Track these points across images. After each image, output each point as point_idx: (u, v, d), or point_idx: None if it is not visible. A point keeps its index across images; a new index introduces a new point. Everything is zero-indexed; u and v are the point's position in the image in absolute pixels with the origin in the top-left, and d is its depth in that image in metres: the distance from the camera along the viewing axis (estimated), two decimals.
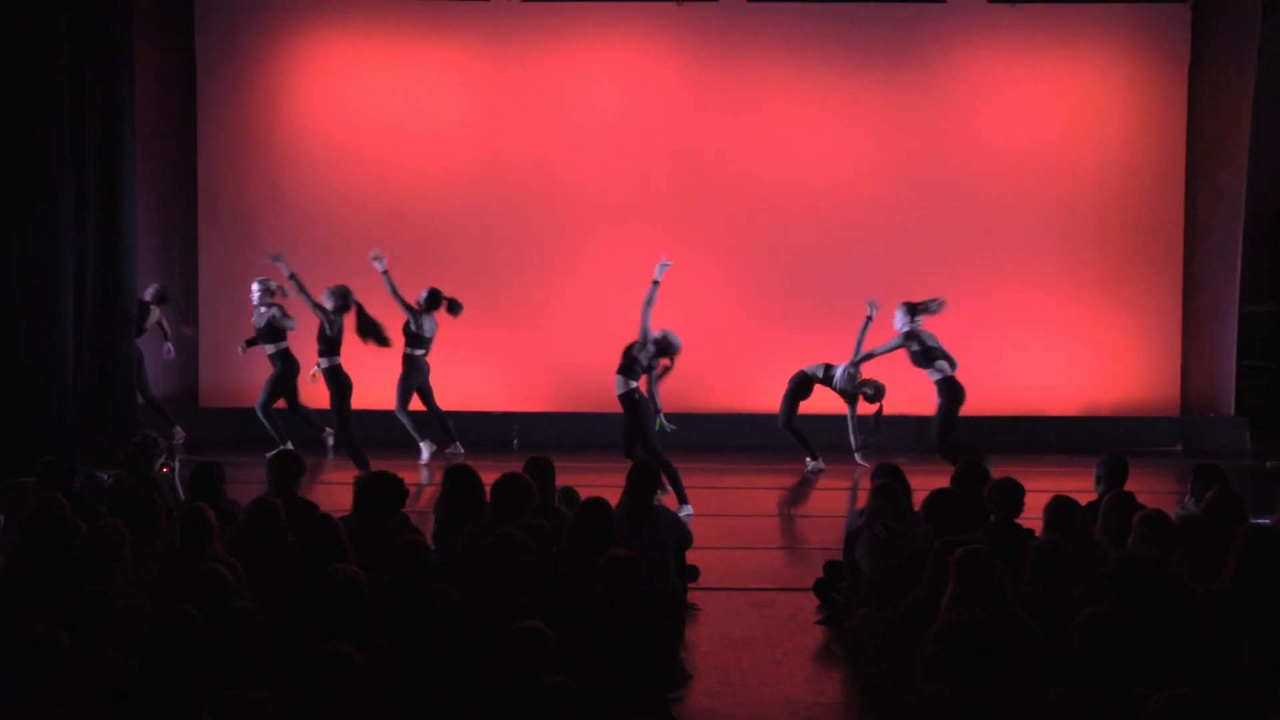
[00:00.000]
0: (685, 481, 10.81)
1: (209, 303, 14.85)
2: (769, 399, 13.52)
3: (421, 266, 14.54)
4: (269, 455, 8.51)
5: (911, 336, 12.23)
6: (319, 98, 14.86)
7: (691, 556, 8.18)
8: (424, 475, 12.41)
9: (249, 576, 6.44)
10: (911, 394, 14.33)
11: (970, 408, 14.42)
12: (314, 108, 14.86)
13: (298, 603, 5.89)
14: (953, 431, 12.23)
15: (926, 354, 12.20)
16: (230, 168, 14.84)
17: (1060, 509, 7.01)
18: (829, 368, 12.78)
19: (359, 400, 12.14)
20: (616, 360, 10.98)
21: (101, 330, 12.62)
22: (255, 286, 12.96)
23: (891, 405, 14.19)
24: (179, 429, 13.45)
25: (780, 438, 13.03)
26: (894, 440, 13.23)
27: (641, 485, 7.73)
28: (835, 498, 12.02)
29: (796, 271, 14.62)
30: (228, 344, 14.22)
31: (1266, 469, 12.85)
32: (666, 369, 11.06)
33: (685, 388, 14.06)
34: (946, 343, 12.25)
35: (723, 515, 10.85)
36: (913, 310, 12.26)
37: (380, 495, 7.22)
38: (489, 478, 7.43)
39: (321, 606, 5.54)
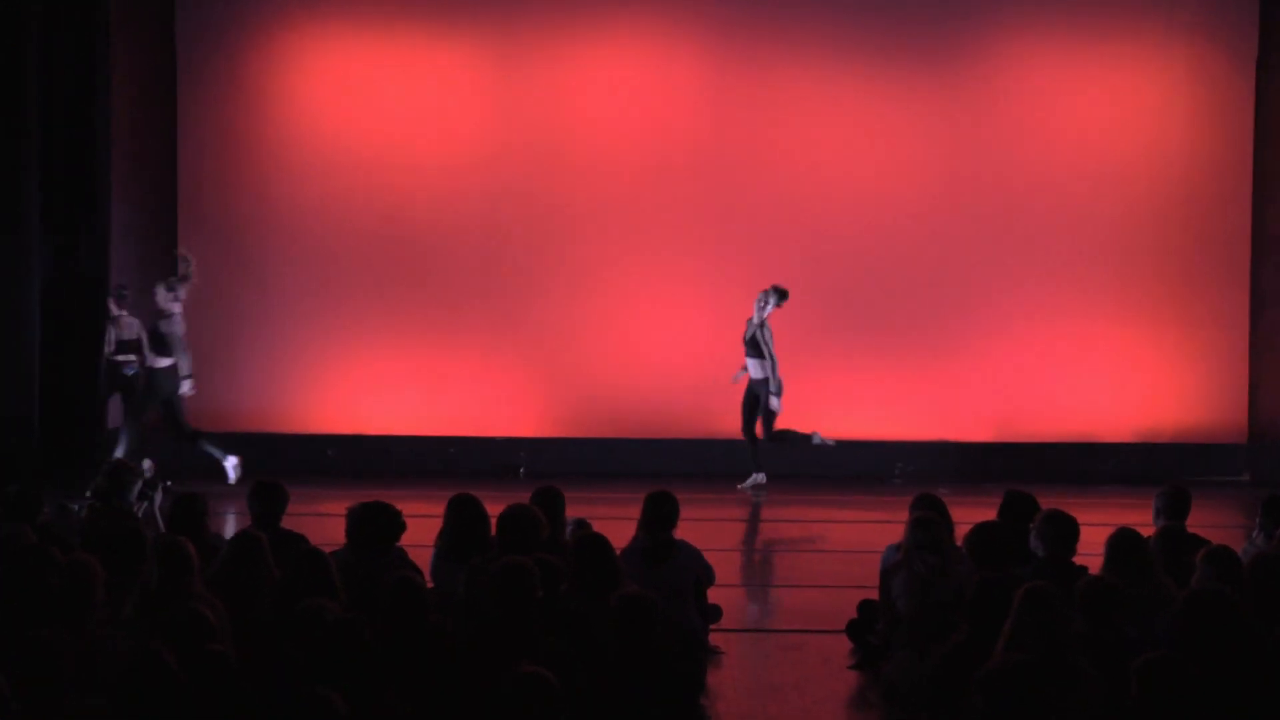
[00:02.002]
0: (708, 513, 10.81)
1: (191, 318, 14.82)
2: (797, 423, 13.48)
3: (421, 282, 14.55)
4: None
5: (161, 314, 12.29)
6: (309, 100, 14.83)
7: (714, 595, 8.16)
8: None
9: (231, 614, 6.43)
10: (945, 419, 14.35)
11: (1021, 433, 14.44)
12: (304, 111, 14.83)
13: (283, 643, 5.88)
14: (142, 417, 12.45)
15: (157, 339, 12.31)
16: (214, 175, 14.82)
17: (1120, 543, 6.93)
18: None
19: None
20: (632, 382, 11.01)
21: (72, 351, 12.65)
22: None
23: (927, 431, 14.21)
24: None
25: (806, 465, 13.03)
26: (935, 468, 13.18)
27: (658, 517, 7.70)
28: (869, 530, 11.96)
29: (825, 288, 14.47)
30: (210, 363, 14.22)
31: None
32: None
33: (708, 413, 14.04)
34: (1004, 365, 12.14)
35: (749, 550, 10.83)
36: (170, 285, 12.27)
37: (374, 527, 7.22)
38: (494, 509, 7.44)
39: (309, 650, 5.52)
